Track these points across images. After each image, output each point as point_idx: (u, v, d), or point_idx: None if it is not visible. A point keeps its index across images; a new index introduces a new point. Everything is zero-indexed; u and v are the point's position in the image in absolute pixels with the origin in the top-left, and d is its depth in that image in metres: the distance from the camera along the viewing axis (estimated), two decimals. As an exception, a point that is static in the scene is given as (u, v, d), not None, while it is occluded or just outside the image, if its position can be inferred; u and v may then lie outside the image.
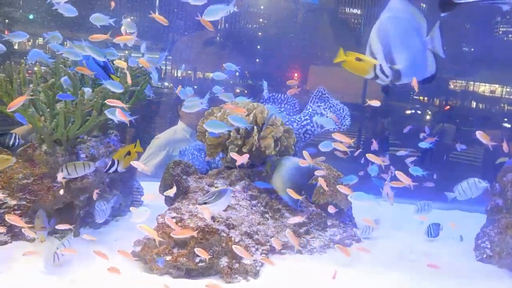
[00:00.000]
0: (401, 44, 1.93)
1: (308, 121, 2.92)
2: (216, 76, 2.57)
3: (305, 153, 2.21)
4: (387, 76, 1.89)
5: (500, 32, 6.07)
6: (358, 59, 1.86)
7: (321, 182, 2.26)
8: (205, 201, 1.85)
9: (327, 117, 2.83)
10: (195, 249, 1.88)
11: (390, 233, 2.71)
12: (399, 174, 2.20)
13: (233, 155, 2.23)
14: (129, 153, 2.05)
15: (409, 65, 1.94)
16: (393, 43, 1.92)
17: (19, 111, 2.14)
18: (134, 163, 2.02)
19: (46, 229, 2.10)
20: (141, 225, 1.87)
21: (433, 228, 2.68)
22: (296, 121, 2.92)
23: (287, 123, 2.85)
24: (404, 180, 2.18)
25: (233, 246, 1.90)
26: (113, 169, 1.98)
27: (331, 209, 2.36)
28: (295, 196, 2.19)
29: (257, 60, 6.17)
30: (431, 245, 2.63)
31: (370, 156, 2.30)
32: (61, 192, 2.13)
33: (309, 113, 2.96)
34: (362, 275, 2.08)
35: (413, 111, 6.09)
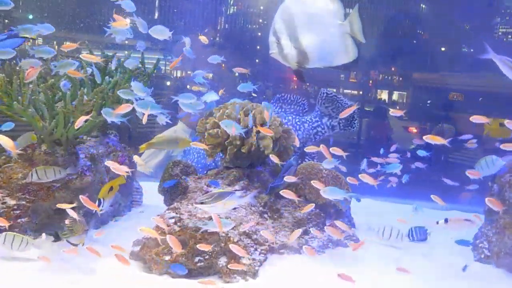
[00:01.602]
0: (307, 26, 1.88)
1: (319, 123, 3.05)
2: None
3: (272, 156, 2.30)
4: None
5: (500, 33, 6.06)
6: (502, 124, 2.03)
7: (286, 193, 2.25)
8: (202, 201, 1.86)
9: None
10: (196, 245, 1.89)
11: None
12: (362, 176, 2.29)
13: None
14: (111, 188, 2.09)
15: (318, 48, 1.88)
16: (298, 24, 1.87)
17: (19, 111, 2.14)
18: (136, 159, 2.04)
19: (87, 232, 2.10)
20: (141, 228, 1.88)
21: (415, 231, 2.67)
22: (307, 121, 3.04)
23: (298, 123, 2.99)
24: (368, 181, 2.28)
25: (230, 245, 1.91)
26: (100, 208, 2.02)
27: (340, 229, 2.31)
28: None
29: (257, 61, 6.17)
30: (430, 245, 2.64)
31: (327, 152, 2.30)
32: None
33: (318, 115, 3.06)
34: (362, 275, 2.08)
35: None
